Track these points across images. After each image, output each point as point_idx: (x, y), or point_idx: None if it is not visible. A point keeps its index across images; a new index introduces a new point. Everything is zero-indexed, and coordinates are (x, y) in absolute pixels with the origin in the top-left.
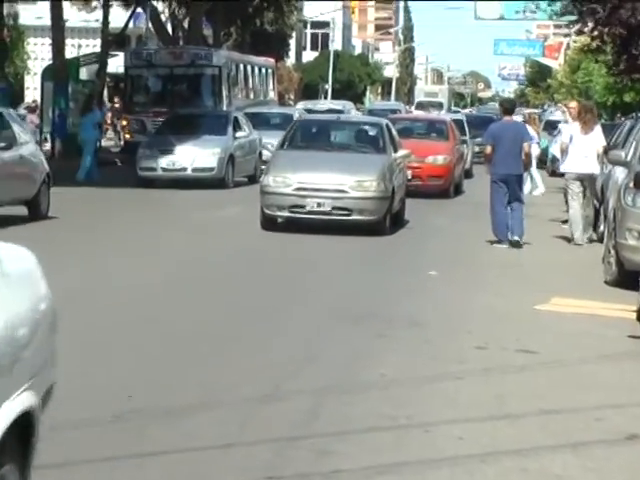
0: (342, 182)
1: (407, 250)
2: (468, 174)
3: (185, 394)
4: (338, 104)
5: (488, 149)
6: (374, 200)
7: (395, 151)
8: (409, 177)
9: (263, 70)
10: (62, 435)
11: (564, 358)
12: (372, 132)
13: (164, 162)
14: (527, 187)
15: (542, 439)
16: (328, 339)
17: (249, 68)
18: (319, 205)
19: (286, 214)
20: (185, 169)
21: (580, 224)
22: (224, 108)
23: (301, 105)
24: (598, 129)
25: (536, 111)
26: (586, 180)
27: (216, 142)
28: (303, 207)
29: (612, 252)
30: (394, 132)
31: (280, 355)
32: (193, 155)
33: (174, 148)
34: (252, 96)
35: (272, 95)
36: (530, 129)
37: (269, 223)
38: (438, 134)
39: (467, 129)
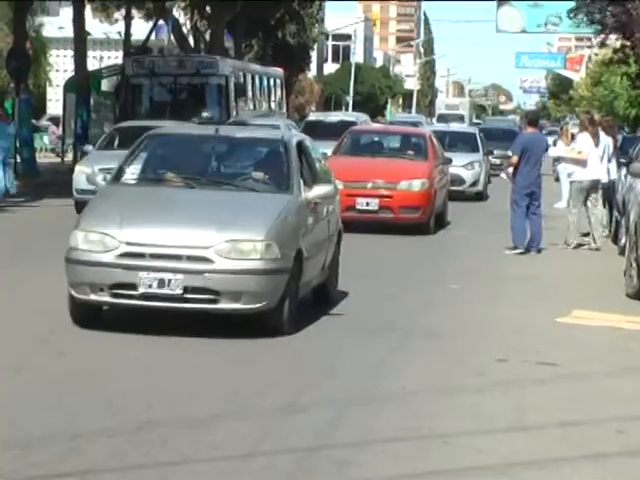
0: (203, 242)
1: (430, 261)
2: (480, 196)
3: (207, 404)
4: (351, 116)
5: (514, 158)
6: (260, 276)
7: (310, 186)
8: (376, 208)
9: (272, 80)
10: (85, 444)
11: (585, 371)
12: (270, 156)
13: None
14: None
15: (562, 451)
16: (348, 351)
17: (257, 78)
18: (161, 284)
19: (106, 298)
20: None
21: (575, 231)
22: (231, 119)
23: (313, 117)
24: (582, 136)
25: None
26: (593, 187)
27: None
28: (134, 287)
29: (634, 265)
30: (314, 153)
31: (300, 366)
32: None
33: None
34: (260, 107)
35: (281, 106)
36: (561, 142)
37: (84, 314)
38: (414, 152)
39: (480, 144)
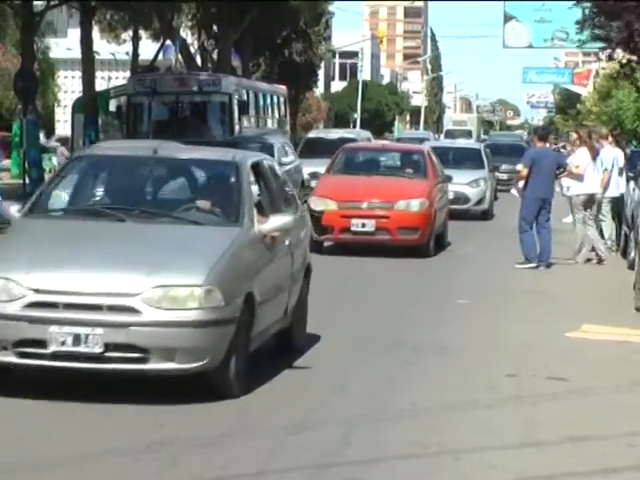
0: (128, 289)
1: (436, 278)
2: (485, 215)
3: (216, 423)
4: (352, 133)
5: (525, 171)
6: (198, 329)
7: (267, 216)
8: (372, 229)
9: (275, 98)
10: (95, 463)
11: (594, 385)
12: (218, 182)
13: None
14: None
15: (574, 466)
16: (358, 367)
17: (260, 95)
18: (77, 341)
19: (10, 358)
20: None
21: (584, 245)
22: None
23: (312, 134)
24: (580, 151)
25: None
26: (589, 201)
27: None
28: (43, 344)
29: None
30: (280, 177)
31: (310, 383)
32: None
33: None
34: (264, 125)
35: (284, 124)
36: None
37: None
38: (413, 169)
39: (485, 160)
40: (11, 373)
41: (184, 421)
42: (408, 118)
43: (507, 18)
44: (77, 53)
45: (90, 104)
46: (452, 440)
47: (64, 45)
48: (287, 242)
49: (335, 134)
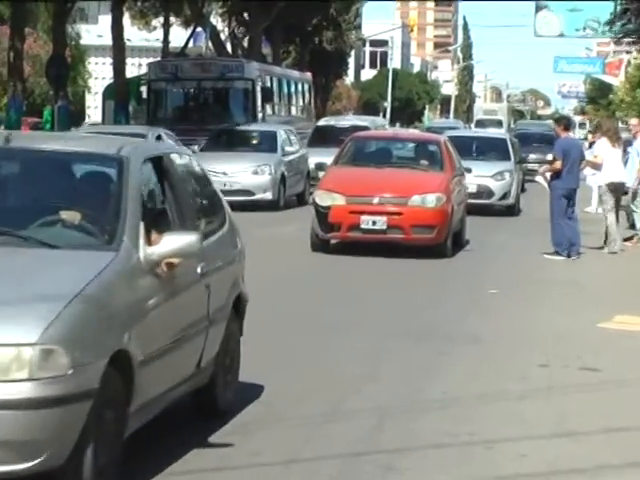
0: None
1: (467, 268)
2: (511, 211)
3: (247, 411)
4: (365, 120)
5: (558, 163)
6: (30, 411)
7: (162, 234)
8: (384, 227)
9: (300, 85)
10: (126, 449)
11: (627, 376)
12: (91, 185)
13: None
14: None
15: (607, 457)
16: (390, 356)
17: (284, 82)
18: None
19: None
20: None
21: (618, 234)
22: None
23: (322, 122)
24: (600, 141)
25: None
26: (619, 190)
27: None
28: None
29: None
30: (182, 174)
31: (343, 372)
32: None
33: None
34: (288, 112)
35: (309, 112)
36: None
37: None
38: (428, 161)
39: (511, 151)
40: None
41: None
42: (438, 107)
43: (539, 7)
44: (108, 40)
45: (120, 91)
46: (483, 430)
47: (95, 32)
48: (199, 270)
49: (347, 121)
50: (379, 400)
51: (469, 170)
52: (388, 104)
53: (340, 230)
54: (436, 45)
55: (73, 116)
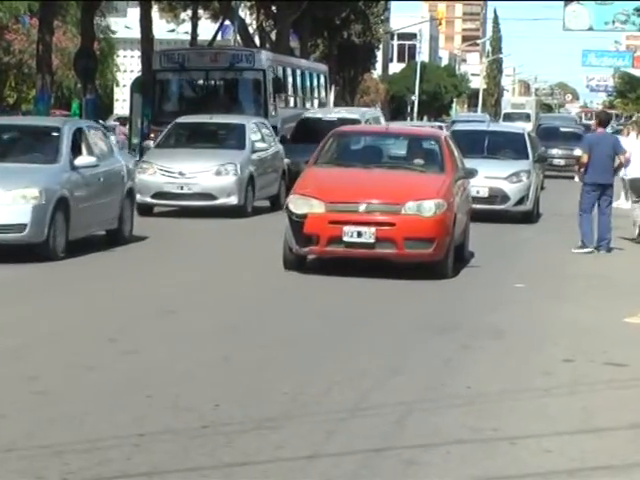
0: None
1: (493, 262)
2: (528, 218)
3: (272, 404)
4: (355, 112)
5: (584, 157)
6: None
7: None
8: (371, 240)
9: (314, 76)
10: (152, 444)
11: None
12: None
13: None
14: (622, 200)
15: (632, 453)
16: (413, 350)
17: (298, 73)
18: None
19: None
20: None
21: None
22: (268, 118)
23: (309, 114)
24: (632, 135)
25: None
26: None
27: None
28: None
29: None
30: None
31: (366, 367)
32: None
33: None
34: (303, 104)
35: (324, 105)
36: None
37: None
38: (426, 161)
39: (529, 148)
40: None
41: (240, 402)
42: (466, 101)
43: (568, 0)
44: (136, 33)
45: (149, 84)
46: (507, 425)
47: (123, 24)
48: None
49: (335, 114)
50: (402, 395)
51: (474, 172)
52: (415, 97)
53: (318, 243)
54: (464, 38)
55: (101, 109)
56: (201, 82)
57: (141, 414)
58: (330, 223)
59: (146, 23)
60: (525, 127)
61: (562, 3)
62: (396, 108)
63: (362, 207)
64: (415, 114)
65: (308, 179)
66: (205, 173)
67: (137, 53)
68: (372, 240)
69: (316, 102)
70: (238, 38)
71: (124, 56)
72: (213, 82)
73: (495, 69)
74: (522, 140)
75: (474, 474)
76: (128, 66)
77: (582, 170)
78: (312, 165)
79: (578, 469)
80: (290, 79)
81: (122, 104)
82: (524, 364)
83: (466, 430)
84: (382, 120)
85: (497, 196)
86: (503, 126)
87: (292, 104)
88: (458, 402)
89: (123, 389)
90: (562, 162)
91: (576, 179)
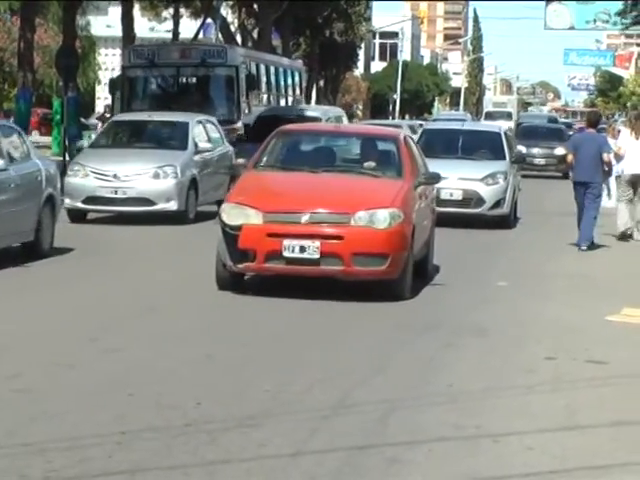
0: None
1: (475, 260)
2: (505, 222)
3: (255, 402)
4: (317, 110)
5: (569, 157)
6: None
7: None
8: (315, 256)
9: (290, 73)
10: (134, 442)
11: (636, 369)
12: None
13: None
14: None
15: (614, 450)
16: (396, 349)
17: (272, 70)
18: None
19: None
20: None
21: (624, 217)
22: (241, 116)
23: (266, 112)
24: (624, 131)
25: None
26: (633, 181)
27: None
28: None
29: None
30: None
31: (348, 365)
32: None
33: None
34: (277, 102)
35: (299, 103)
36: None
37: None
38: (381, 164)
39: (506, 148)
40: None
41: (222, 400)
42: (448, 99)
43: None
44: (118, 31)
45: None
46: (490, 422)
47: (104, 23)
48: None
49: (294, 111)
50: (385, 393)
51: (438, 177)
52: (397, 96)
53: (255, 259)
54: (446, 37)
55: (83, 107)
56: (171, 79)
57: (123, 412)
58: (268, 236)
59: (127, 21)
60: (502, 126)
61: (543, 2)
62: (378, 106)
63: (305, 217)
64: (397, 113)
65: (245, 185)
66: (142, 176)
67: (119, 51)
68: (316, 255)
69: (290, 99)
70: (220, 36)
71: (105, 54)
72: (184, 79)
73: (476, 68)
74: (498, 140)
75: (457, 472)
76: (110, 64)
77: (570, 168)
78: (251, 169)
79: (560, 467)
80: (264, 76)
81: (104, 102)
82: (507, 362)
83: (449, 428)
84: (344, 120)
85: (472, 199)
86: (478, 125)
87: (266, 102)
88: (441, 400)
89: (104, 387)
90: (542, 161)
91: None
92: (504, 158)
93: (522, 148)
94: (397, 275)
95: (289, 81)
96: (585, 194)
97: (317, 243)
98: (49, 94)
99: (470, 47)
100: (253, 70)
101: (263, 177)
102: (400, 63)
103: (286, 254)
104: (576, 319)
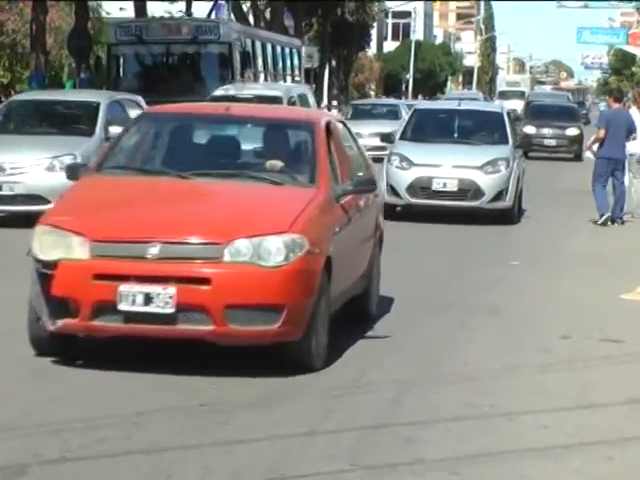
0: None
1: (488, 239)
2: (508, 217)
3: (269, 383)
4: (276, 89)
5: (601, 133)
6: None
7: None
8: (168, 310)
9: (287, 50)
10: (151, 422)
11: None
12: None
13: None
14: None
15: (628, 428)
16: (410, 328)
17: (269, 47)
18: None
19: None
20: None
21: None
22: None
23: (220, 91)
24: (632, 111)
25: None
26: None
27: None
28: None
29: None
30: None
31: (363, 344)
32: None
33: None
34: (274, 82)
35: (296, 81)
36: None
37: None
38: (288, 165)
39: (509, 131)
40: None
41: (237, 381)
42: (461, 79)
43: None
44: (130, 12)
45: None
46: (505, 401)
47: (116, 5)
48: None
49: (251, 90)
50: (399, 373)
51: (371, 183)
52: (410, 76)
53: (78, 314)
54: (459, 16)
55: (95, 88)
56: (161, 57)
57: (139, 393)
58: (96, 278)
59: (140, 3)
60: (504, 105)
61: None
62: (391, 86)
63: (154, 250)
64: (410, 92)
65: (72, 197)
66: (33, 168)
67: None
68: (170, 309)
69: (289, 79)
70: (232, 17)
71: None
72: (174, 56)
73: (489, 47)
74: (500, 121)
75: (472, 450)
76: None
77: (594, 146)
78: (93, 172)
79: (575, 444)
80: (261, 53)
81: None
82: (521, 341)
83: (464, 407)
84: (310, 100)
85: (469, 190)
86: (477, 104)
87: (262, 81)
88: (456, 379)
89: (117, 371)
90: (553, 142)
91: (588, 154)
92: (507, 142)
93: (531, 128)
94: (299, 335)
95: (287, 59)
96: (614, 170)
97: (171, 290)
98: (62, 76)
99: (482, 26)
100: (248, 47)
101: (102, 186)
102: (413, 43)
103: (123, 307)
104: (590, 298)
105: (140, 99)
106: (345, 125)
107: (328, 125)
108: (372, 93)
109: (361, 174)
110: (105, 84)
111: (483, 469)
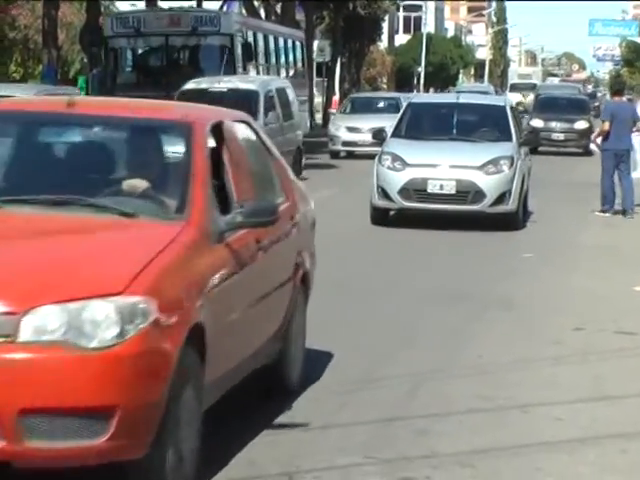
0: None
1: (501, 232)
2: (511, 222)
3: None
4: (253, 81)
5: (606, 125)
6: None
7: None
8: None
9: (290, 42)
10: None
11: None
12: None
13: None
14: None
15: None
16: (424, 321)
17: (271, 39)
18: None
19: None
20: None
21: None
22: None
23: (192, 84)
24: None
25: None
26: None
27: None
28: None
29: None
30: None
31: (377, 337)
32: None
33: None
34: (277, 74)
35: (299, 74)
36: None
37: None
38: (150, 190)
39: (513, 127)
40: None
41: (251, 374)
42: (472, 72)
43: None
44: (141, 6)
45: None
46: (519, 394)
47: (128, 2)
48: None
49: (225, 83)
50: (413, 365)
51: (265, 213)
52: (422, 69)
53: None
54: (470, 9)
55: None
56: (160, 49)
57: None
58: None
59: None
60: (508, 99)
61: None
62: (403, 80)
63: None
64: (422, 86)
65: None
66: None
67: None
68: None
69: (292, 72)
70: (244, 11)
71: None
72: (174, 49)
73: (501, 40)
74: (503, 116)
75: (486, 443)
76: None
77: (598, 139)
78: None
79: (589, 436)
80: (263, 46)
81: None
82: (535, 333)
83: (478, 399)
84: (290, 93)
85: (468, 192)
86: (478, 98)
87: (264, 74)
88: (469, 372)
89: None
90: (561, 136)
91: (592, 147)
92: (510, 139)
93: (539, 122)
94: (140, 452)
95: (290, 51)
96: (619, 162)
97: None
98: (74, 72)
99: (494, 19)
100: (250, 39)
101: None
102: (424, 36)
103: None
104: (604, 290)
105: (75, 90)
106: (252, 127)
107: (217, 128)
108: (384, 87)
109: (255, 200)
110: (103, 79)
111: (497, 462)
